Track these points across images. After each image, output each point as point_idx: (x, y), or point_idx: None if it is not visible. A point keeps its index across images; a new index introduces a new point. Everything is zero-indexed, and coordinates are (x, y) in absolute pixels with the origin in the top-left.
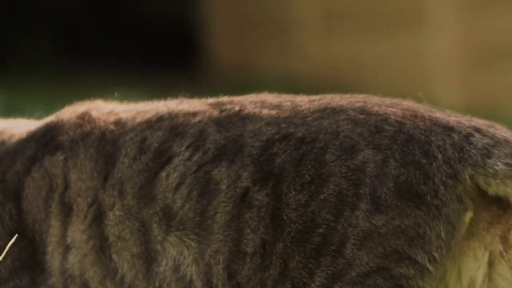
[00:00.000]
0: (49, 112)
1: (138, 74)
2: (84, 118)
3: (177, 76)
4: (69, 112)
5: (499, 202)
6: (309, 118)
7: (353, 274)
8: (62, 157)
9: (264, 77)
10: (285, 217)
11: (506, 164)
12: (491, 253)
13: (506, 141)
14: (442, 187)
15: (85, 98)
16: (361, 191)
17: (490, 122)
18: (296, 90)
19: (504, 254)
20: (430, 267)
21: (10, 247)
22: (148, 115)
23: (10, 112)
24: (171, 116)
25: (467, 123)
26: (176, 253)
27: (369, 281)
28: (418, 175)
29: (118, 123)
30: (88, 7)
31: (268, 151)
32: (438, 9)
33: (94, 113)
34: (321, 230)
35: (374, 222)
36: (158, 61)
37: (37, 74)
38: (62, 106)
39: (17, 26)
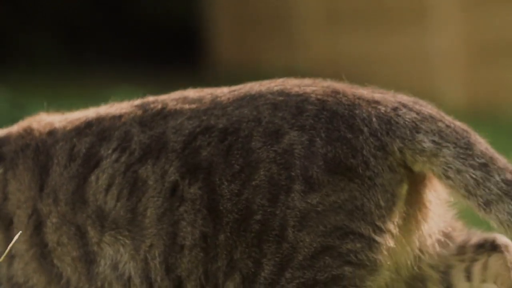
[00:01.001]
0: (52, 109)
1: (142, 71)
2: (27, 130)
3: (181, 73)
4: (18, 124)
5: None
6: (229, 108)
7: (300, 258)
8: (2, 170)
9: (267, 73)
10: (222, 208)
11: (433, 141)
12: (417, 215)
13: (432, 117)
14: (372, 159)
15: (89, 95)
16: (293, 173)
17: (415, 98)
18: None
19: (422, 217)
20: (377, 238)
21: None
22: (77, 123)
23: (13, 109)
24: (99, 121)
25: (392, 98)
26: (113, 252)
27: (318, 262)
28: (346, 150)
29: (51, 133)
30: (92, 4)
31: (192, 145)
32: (442, 5)
33: (34, 125)
34: (258, 217)
35: (309, 201)
36: (162, 58)
37: (40, 71)
38: (66, 103)
39: (21, 23)
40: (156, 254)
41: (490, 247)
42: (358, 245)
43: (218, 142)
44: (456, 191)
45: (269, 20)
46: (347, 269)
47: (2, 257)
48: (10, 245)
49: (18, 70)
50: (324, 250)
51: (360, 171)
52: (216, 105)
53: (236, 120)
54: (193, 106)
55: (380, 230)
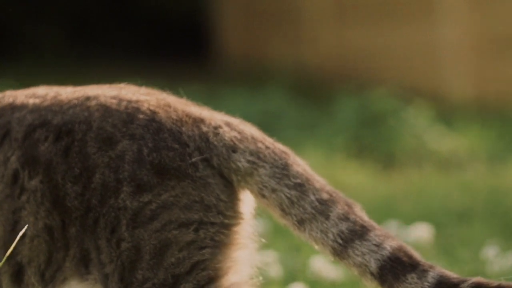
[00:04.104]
0: None
1: (149, 64)
2: None
3: (188, 66)
4: None
5: None
6: (65, 106)
7: (147, 257)
8: None
9: (275, 67)
10: (70, 205)
11: (249, 161)
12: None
13: (253, 138)
14: (200, 165)
15: None
16: (121, 176)
17: (243, 121)
18: (306, 80)
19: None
20: (226, 221)
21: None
22: None
23: None
24: None
25: (219, 117)
26: None
27: (167, 259)
28: (173, 155)
29: None
30: None
31: (31, 136)
32: None
33: None
34: (92, 215)
35: (141, 200)
36: (169, 51)
37: (47, 64)
38: None
39: (27, 15)
40: None
41: None
42: (211, 229)
43: (54, 139)
44: (273, 209)
45: (277, 14)
46: (208, 251)
47: (2, 261)
48: (12, 246)
49: (24, 63)
50: (167, 245)
51: (190, 172)
52: (55, 102)
53: (69, 119)
54: (37, 101)
55: (228, 216)
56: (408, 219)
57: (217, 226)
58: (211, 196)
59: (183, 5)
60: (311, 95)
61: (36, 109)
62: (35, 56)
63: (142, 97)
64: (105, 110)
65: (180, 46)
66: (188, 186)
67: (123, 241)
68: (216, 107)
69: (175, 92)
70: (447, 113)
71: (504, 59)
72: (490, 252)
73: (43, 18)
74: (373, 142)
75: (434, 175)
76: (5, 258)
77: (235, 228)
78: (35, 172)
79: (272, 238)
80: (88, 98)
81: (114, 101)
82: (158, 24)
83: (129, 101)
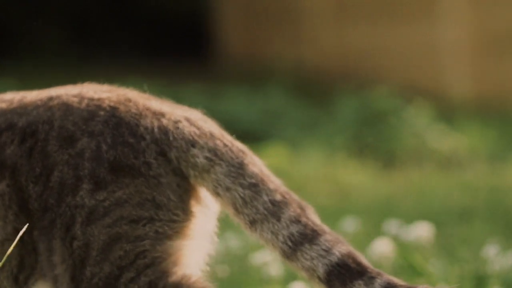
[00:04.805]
0: None
1: (149, 64)
2: None
3: (189, 65)
4: None
5: None
6: (29, 108)
7: (94, 253)
8: None
9: (275, 66)
10: (31, 207)
11: (206, 158)
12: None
13: (212, 134)
14: (154, 162)
15: None
16: (81, 173)
17: (204, 116)
18: (307, 79)
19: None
20: (174, 217)
21: None
22: None
23: None
24: None
25: (180, 112)
26: None
27: (114, 252)
28: (128, 152)
29: None
30: None
31: None
32: None
33: None
34: (48, 215)
35: (98, 198)
36: (170, 50)
37: (47, 63)
38: None
39: (27, 15)
40: None
41: None
42: (158, 223)
43: (19, 141)
44: (227, 208)
45: (277, 13)
46: (148, 243)
47: (3, 261)
48: (12, 245)
49: (25, 63)
50: (116, 239)
51: (143, 170)
52: (21, 104)
53: (33, 121)
54: (4, 105)
55: (177, 214)
56: (409, 218)
57: (164, 221)
58: (163, 196)
59: (184, 5)
60: (311, 94)
61: (2, 113)
62: (36, 55)
63: (103, 95)
64: (67, 108)
65: (181, 46)
66: (142, 184)
67: (76, 240)
68: (217, 106)
69: (175, 92)
70: (448, 112)
71: (504, 58)
72: (491, 251)
73: (43, 18)
74: (373, 141)
75: (435, 174)
76: (4, 258)
77: (183, 224)
78: (2, 176)
79: None
80: (51, 99)
81: (75, 99)
82: (158, 24)
83: (91, 99)
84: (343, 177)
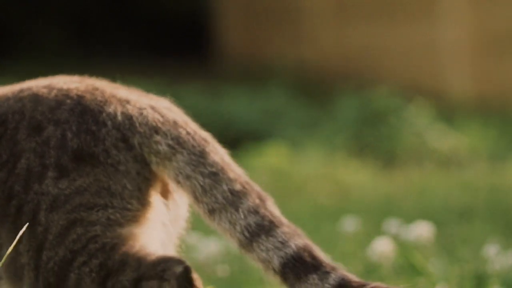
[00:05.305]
0: None
1: (150, 63)
2: None
3: (189, 66)
4: None
5: None
6: (1, 100)
7: (51, 238)
8: None
9: (275, 66)
10: None
11: (169, 145)
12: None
13: (175, 122)
14: (113, 149)
15: None
16: (47, 162)
17: (170, 105)
18: (307, 79)
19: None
20: (128, 206)
21: None
22: None
23: None
24: None
25: (146, 100)
26: None
27: (68, 236)
28: (89, 140)
29: None
30: None
31: None
32: None
33: None
34: (14, 202)
35: (60, 186)
36: (170, 50)
37: (47, 62)
38: None
39: (27, 14)
40: None
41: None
42: (110, 210)
43: None
44: (187, 196)
45: (278, 13)
46: (99, 228)
47: (3, 260)
48: (13, 244)
49: (25, 63)
50: (71, 224)
51: (102, 158)
52: None
53: (3, 112)
54: None
55: (130, 202)
56: (409, 218)
57: (117, 209)
58: (118, 184)
59: (184, 4)
60: (312, 94)
61: None
62: (36, 55)
63: (72, 85)
64: (36, 99)
65: (181, 46)
66: (100, 173)
67: (39, 226)
68: (217, 106)
69: (176, 91)
70: (448, 112)
71: (504, 57)
72: (491, 251)
73: (43, 18)
74: (374, 140)
75: (435, 174)
76: (4, 258)
77: (136, 212)
78: None
79: None
80: (21, 91)
81: (45, 90)
82: (158, 24)
83: (60, 89)
84: (343, 177)
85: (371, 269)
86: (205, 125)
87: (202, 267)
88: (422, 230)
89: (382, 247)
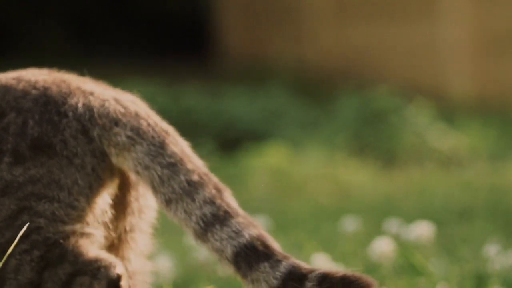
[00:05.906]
0: None
1: (150, 63)
2: None
3: (189, 65)
4: None
5: None
6: None
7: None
8: None
9: (276, 65)
10: None
11: (128, 136)
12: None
13: (137, 114)
14: (72, 140)
15: None
16: (4, 147)
17: (134, 98)
18: (307, 79)
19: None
20: (75, 203)
21: None
22: None
23: None
24: None
25: (110, 93)
26: None
27: (16, 221)
28: (50, 130)
29: None
30: None
31: None
32: None
33: None
34: None
35: (14, 172)
36: (170, 50)
37: (48, 62)
38: None
39: (27, 14)
40: None
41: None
42: (56, 204)
43: None
44: (146, 187)
45: (278, 12)
46: (43, 221)
47: (3, 260)
48: (13, 244)
49: (25, 62)
50: (21, 210)
51: (58, 149)
52: None
53: None
54: None
55: (78, 199)
56: (409, 217)
57: (63, 204)
58: (69, 178)
59: (184, 4)
60: (312, 93)
61: None
62: (36, 55)
63: (40, 77)
64: (5, 90)
65: (182, 45)
66: (54, 165)
67: None
68: (217, 106)
69: (176, 91)
70: (448, 111)
71: (505, 57)
72: (492, 251)
73: (43, 18)
74: (374, 140)
75: (435, 173)
76: (5, 258)
77: (82, 211)
78: None
79: (273, 235)
80: None
81: (14, 81)
82: (158, 24)
83: (27, 81)
84: (344, 176)
85: (371, 269)
86: (205, 125)
87: (202, 267)
88: (422, 230)
89: (382, 247)
